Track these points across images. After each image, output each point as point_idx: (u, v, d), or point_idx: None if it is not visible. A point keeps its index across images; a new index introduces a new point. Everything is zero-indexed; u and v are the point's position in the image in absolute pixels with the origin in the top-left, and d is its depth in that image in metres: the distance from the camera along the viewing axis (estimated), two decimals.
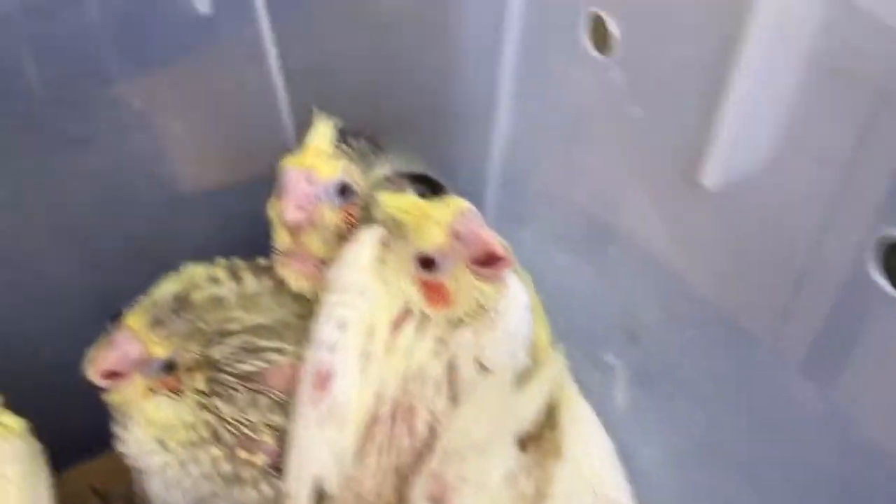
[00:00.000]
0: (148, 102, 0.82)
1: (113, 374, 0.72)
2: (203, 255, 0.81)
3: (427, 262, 0.70)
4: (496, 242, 0.69)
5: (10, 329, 0.85)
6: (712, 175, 0.59)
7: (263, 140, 0.89)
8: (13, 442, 0.71)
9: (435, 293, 0.72)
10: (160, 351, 0.72)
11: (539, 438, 0.71)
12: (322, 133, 0.77)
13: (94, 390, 0.75)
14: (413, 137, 0.84)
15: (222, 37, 0.85)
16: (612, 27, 0.66)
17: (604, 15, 0.66)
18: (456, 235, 0.68)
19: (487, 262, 0.69)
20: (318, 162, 0.76)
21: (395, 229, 0.72)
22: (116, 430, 0.76)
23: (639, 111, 0.63)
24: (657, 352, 0.72)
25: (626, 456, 0.72)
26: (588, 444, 0.70)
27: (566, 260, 0.78)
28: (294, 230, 0.78)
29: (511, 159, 0.81)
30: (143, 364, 0.72)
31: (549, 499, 0.65)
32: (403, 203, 0.71)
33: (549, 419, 0.71)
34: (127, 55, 0.79)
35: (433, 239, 0.69)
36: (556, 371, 0.74)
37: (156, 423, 0.74)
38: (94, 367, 0.71)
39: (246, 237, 0.82)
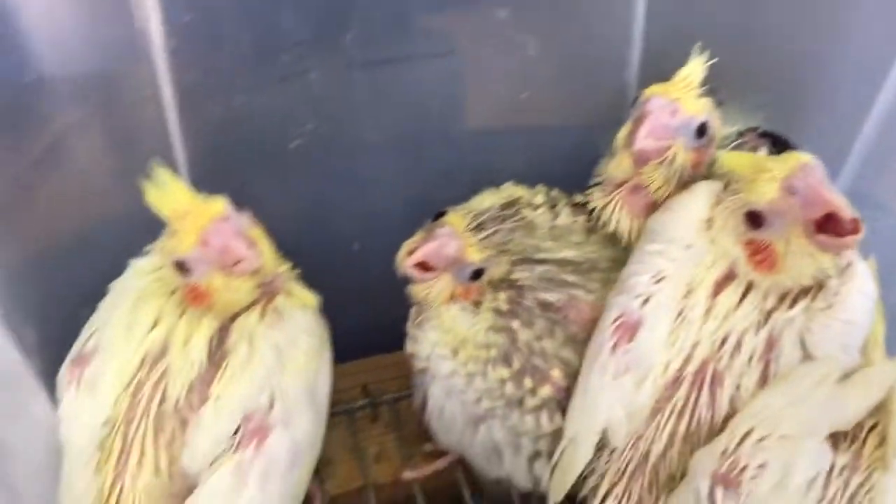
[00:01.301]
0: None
1: (426, 267, 0.73)
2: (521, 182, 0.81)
3: (756, 219, 0.64)
4: (842, 204, 0.61)
5: (331, 226, 0.90)
6: None
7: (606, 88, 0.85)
8: (307, 314, 0.75)
9: (761, 255, 0.65)
10: (474, 254, 0.72)
11: (857, 441, 0.63)
12: (696, 67, 0.72)
13: (388, 293, 0.77)
14: (767, 97, 0.77)
15: None
16: None
17: None
18: (791, 191, 0.61)
19: (828, 226, 0.62)
20: (686, 96, 0.72)
21: (730, 184, 0.67)
22: (411, 329, 0.78)
23: None
24: None
25: None
26: None
27: None
28: (640, 160, 0.73)
29: (886, 137, 0.70)
30: (456, 264, 0.73)
31: None
32: (740, 158, 0.65)
33: (875, 426, 0.64)
34: None
35: (765, 193, 0.63)
36: (890, 374, 0.65)
37: (452, 332, 0.75)
38: (412, 256, 0.72)
39: (564, 176, 0.81)
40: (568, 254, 0.77)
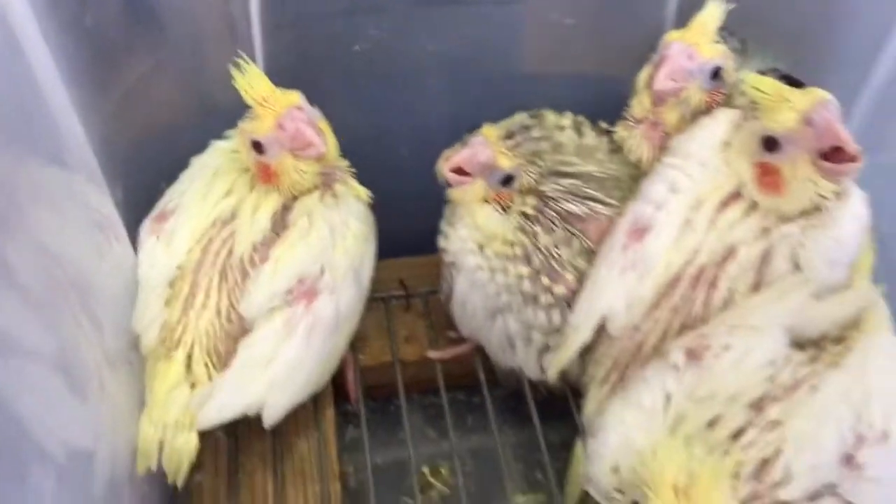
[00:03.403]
0: None
1: (461, 171, 0.82)
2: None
3: (771, 144, 0.72)
4: (849, 138, 0.68)
5: (384, 131, 0.97)
6: None
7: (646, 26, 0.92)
8: (359, 204, 0.85)
9: (770, 177, 0.73)
10: (505, 162, 0.81)
11: (821, 349, 0.71)
12: (713, 15, 0.79)
13: (428, 200, 0.87)
14: (786, 48, 0.83)
15: None
16: None
17: None
18: (808, 122, 0.69)
19: (833, 157, 0.69)
20: (702, 41, 0.79)
21: (751, 109, 0.74)
22: (444, 227, 0.87)
23: None
24: None
25: None
26: (871, 372, 0.68)
27: None
28: (658, 99, 0.82)
29: (889, 84, 0.78)
30: (488, 170, 0.81)
31: (807, 398, 0.66)
32: (766, 83, 0.72)
33: (842, 339, 0.72)
34: None
35: (784, 121, 0.70)
36: (865, 296, 0.73)
37: (481, 229, 0.83)
38: (448, 162, 0.82)
39: (599, 109, 0.89)
40: (592, 169, 0.84)
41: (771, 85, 0.72)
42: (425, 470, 0.92)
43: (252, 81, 0.75)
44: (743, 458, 0.64)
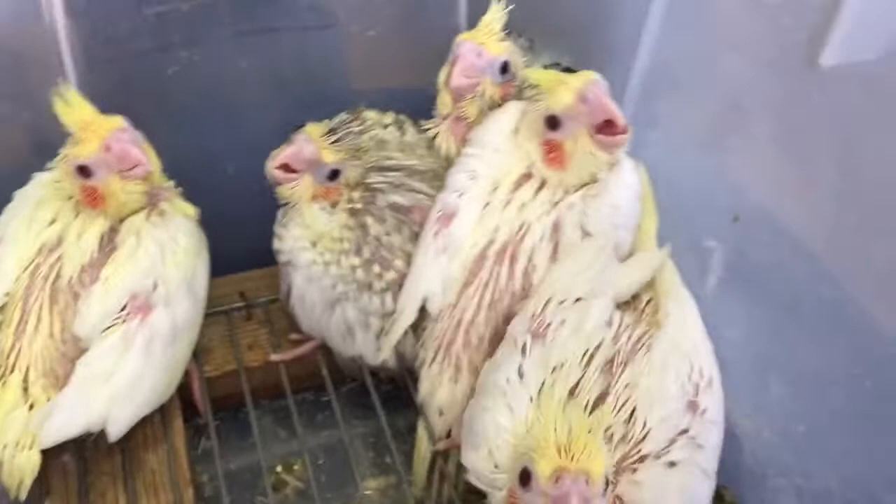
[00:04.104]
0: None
1: (288, 168, 0.87)
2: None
3: (553, 122, 0.81)
4: (617, 111, 0.78)
5: (209, 154, 1.00)
6: (833, 56, 0.65)
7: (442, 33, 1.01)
8: (187, 220, 0.88)
9: (554, 153, 0.82)
10: (329, 156, 0.86)
11: (637, 310, 0.81)
12: (496, 16, 0.88)
13: (260, 214, 0.91)
14: (567, 44, 0.94)
15: None
16: None
17: None
18: (583, 99, 0.78)
19: (606, 130, 0.79)
20: (489, 40, 0.88)
21: (535, 96, 0.83)
22: (277, 229, 0.91)
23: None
24: (756, 231, 0.79)
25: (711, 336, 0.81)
26: (685, 320, 0.79)
27: (686, 156, 0.86)
28: (457, 96, 0.90)
29: (652, 71, 0.89)
30: (314, 166, 0.87)
31: (647, 357, 0.74)
32: (544, 73, 0.81)
33: (651, 300, 0.82)
34: None
35: (563, 99, 0.79)
36: (658, 258, 0.83)
37: (312, 228, 0.88)
38: (275, 160, 0.86)
39: (411, 109, 0.96)
40: (414, 163, 0.92)
41: (548, 73, 0.81)
42: (279, 469, 0.95)
43: (74, 107, 0.78)
44: (610, 421, 0.70)
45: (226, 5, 0.91)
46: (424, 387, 0.87)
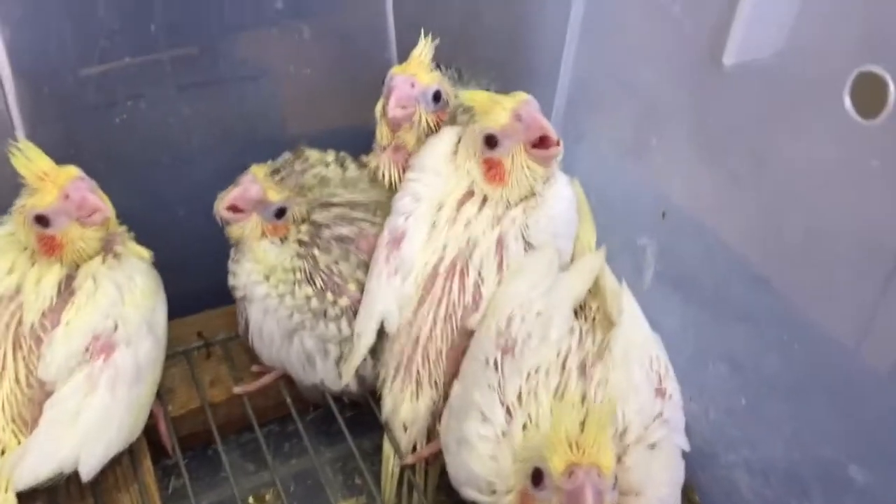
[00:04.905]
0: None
1: (236, 209, 0.91)
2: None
3: (491, 141, 0.86)
4: (550, 127, 0.83)
5: (159, 198, 1.03)
6: (733, 55, 0.71)
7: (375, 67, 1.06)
8: (142, 262, 0.90)
9: (494, 170, 0.87)
10: (275, 195, 0.90)
11: (589, 319, 0.86)
12: (425, 49, 0.93)
13: (214, 254, 0.95)
14: (493, 72, 1.00)
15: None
16: None
17: None
18: (518, 118, 0.84)
19: (541, 144, 0.84)
20: (420, 71, 0.93)
21: (470, 118, 0.88)
22: (231, 266, 0.95)
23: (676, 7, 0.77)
24: (681, 226, 0.84)
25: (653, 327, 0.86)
26: (635, 316, 0.85)
27: (613, 163, 0.92)
28: (395, 126, 0.94)
29: (574, 90, 0.96)
30: (261, 205, 0.91)
31: (610, 354, 0.79)
32: (479, 95, 0.87)
33: (596, 303, 0.88)
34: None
35: (498, 119, 0.84)
36: (597, 260, 0.89)
37: (263, 262, 0.92)
38: (223, 202, 0.90)
39: (351, 143, 1.00)
40: (357, 197, 0.96)
41: (483, 95, 0.87)
42: (251, 500, 0.97)
43: (31, 159, 0.81)
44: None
45: (167, 62, 0.95)
46: (387, 404, 0.91)
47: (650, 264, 0.88)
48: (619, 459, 0.71)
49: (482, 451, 0.75)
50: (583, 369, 0.78)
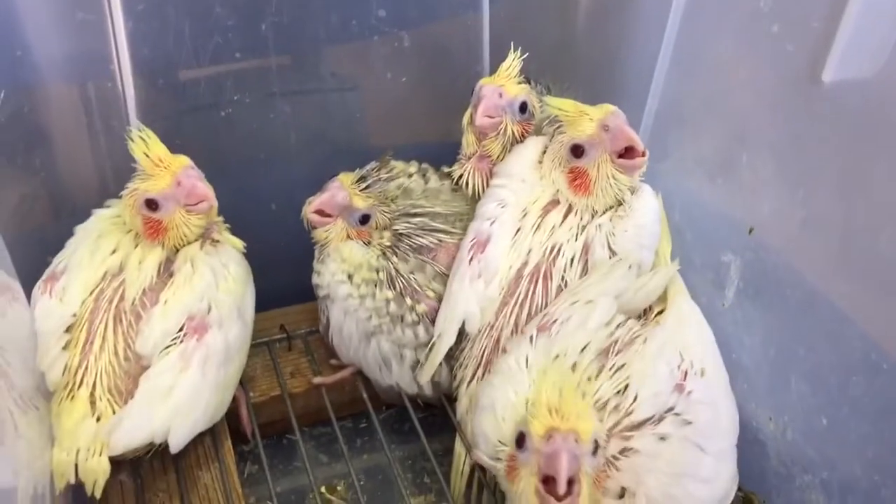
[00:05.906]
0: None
1: (322, 213, 0.95)
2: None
3: (577, 150, 0.88)
4: (637, 137, 0.85)
5: (254, 193, 1.08)
6: (833, 72, 0.72)
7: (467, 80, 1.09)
8: (235, 251, 0.95)
9: (579, 180, 0.89)
10: (360, 202, 0.94)
11: (646, 319, 0.87)
12: (514, 62, 0.96)
13: (300, 251, 0.99)
14: (582, 88, 1.02)
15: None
16: None
17: None
18: (605, 128, 0.86)
19: (627, 155, 0.86)
20: (508, 82, 0.96)
21: (557, 128, 0.90)
22: (315, 266, 0.98)
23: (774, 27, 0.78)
24: (767, 243, 0.84)
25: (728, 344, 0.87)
26: (684, 322, 0.85)
27: (699, 180, 0.92)
28: (481, 135, 0.98)
29: (662, 107, 0.97)
30: (346, 211, 0.95)
31: (641, 347, 0.80)
32: (566, 103, 0.89)
33: (660, 307, 0.88)
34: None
35: (585, 129, 0.87)
36: (668, 270, 0.90)
37: (347, 261, 0.95)
38: (310, 206, 0.95)
39: (438, 153, 1.04)
40: (438, 208, 0.99)
41: (570, 104, 0.88)
42: (323, 489, 0.99)
43: (149, 145, 0.86)
44: (601, 394, 0.76)
45: (272, 62, 1.00)
46: (463, 404, 0.92)
47: (733, 281, 0.89)
48: (625, 438, 0.73)
49: (499, 414, 0.78)
50: (604, 354, 0.80)
